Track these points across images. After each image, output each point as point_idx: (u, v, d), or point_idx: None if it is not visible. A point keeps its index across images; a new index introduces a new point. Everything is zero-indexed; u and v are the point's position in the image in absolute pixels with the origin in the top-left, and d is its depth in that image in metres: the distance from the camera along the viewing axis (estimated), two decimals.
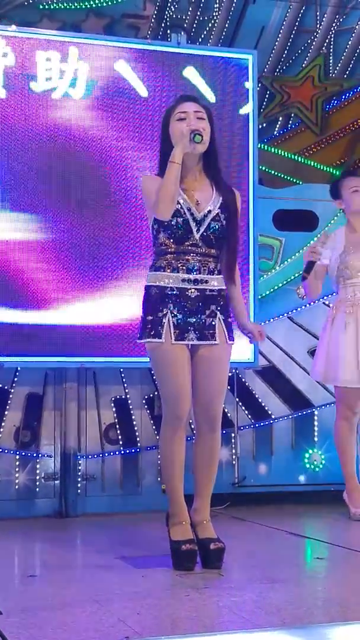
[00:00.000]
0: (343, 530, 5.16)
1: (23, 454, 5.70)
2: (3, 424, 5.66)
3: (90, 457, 5.81)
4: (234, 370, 5.88)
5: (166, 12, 6.19)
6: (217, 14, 6.30)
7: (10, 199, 5.49)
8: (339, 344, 5.41)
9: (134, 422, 5.91)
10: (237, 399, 6.08)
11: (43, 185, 5.55)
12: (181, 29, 6.16)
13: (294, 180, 6.51)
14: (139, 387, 5.94)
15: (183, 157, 3.97)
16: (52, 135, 5.59)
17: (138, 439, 5.91)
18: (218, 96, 5.89)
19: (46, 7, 5.96)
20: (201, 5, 6.27)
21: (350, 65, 6.68)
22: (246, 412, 6.14)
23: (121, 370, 5.88)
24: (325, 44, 6.60)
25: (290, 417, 6.23)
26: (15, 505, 5.66)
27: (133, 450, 5.89)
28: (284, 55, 6.53)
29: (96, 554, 4.39)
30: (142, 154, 5.69)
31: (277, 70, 6.53)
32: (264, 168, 6.30)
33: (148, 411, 5.94)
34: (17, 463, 5.68)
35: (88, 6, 6.05)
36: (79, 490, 5.75)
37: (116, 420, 5.90)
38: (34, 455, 5.72)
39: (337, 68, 6.66)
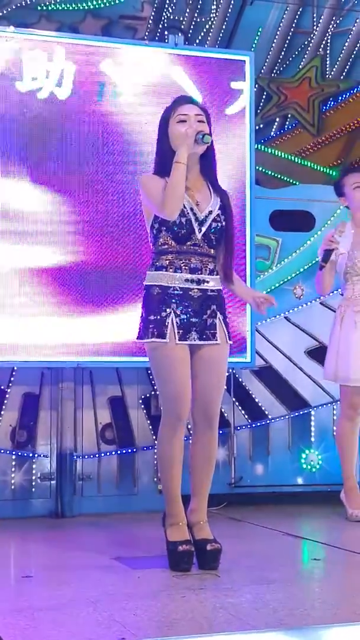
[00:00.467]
0: (340, 531, 5.16)
1: (19, 454, 5.69)
2: None
3: (86, 457, 5.81)
4: (230, 371, 5.88)
5: (163, 14, 6.20)
6: (214, 15, 6.31)
7: None
8: (349, 342, 5.38)
9: (131, 422, 5.92)
10: (234, 399, 6.09)
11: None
12: (178, 30, 6.17)
13: (291, 181, 6.52)
14: (135, 386, 5.94)
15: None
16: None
17: (134, 439, 5.91)
18: (215, 97, 5.88)
19: (44, 8, 5.97)
20: (198, 6, 6.28)
21: (347, 67, 6.70)
22: (243, 412, 6.15)
23: (117, 369, 5.89)
24: (322, 45, 6.62)
25: (287, 417, 6.24)
26: (11, 505, 5.66)
27: (129, 450, 5.90)
28: (281, 57, 6.55)
29: (92, 554, 4.39)
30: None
31: (274, 71, 6.54)
32: (261, 168, 6.31)
33: (144, 411, 5.95)
34: (13, 463, 5.68)
35: (86, 7, 6.06)
36: (75, 491, 5.75)
37: (112, 420, 5.91)
38: (30, 455, 5.72)
39: (334, 69, 6.67)
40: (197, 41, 6.29)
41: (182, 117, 4.06)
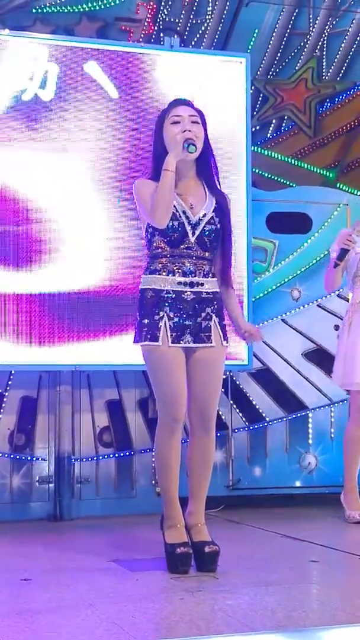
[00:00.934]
0: (338, 533, 5.16)
1: (17, 457, 5.69)
2: None
3: (84, 460, 5.80)
4: (228, 373, 5.88)
5: (159, 16, 6.20)
6: (210, 17, 6.31)
7: None
8: (356, 347, 5.35)
9: (128, 425, 5.91)
10: (232, 402, 6.09)
11: None
12: (174, 32, 6.17)
13: (288, 183, 6.52)
14: (132, 389, 5.94)
15: (177, 162, 3.98)
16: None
17: (132, 441, 5.91)
18: (211, 99, 5.87)
19: (39, 10, 5.97)
20: (194, 8, 6.28)
21: (343, 68, 6.70)
22: (240, 414, 6.14)
23: (115, 373, 5.88)
24: (318, 47, 6.62)
25: (284, 419, 6.23)
26: (10, 508, 5.65)
27: (127, 453, 5.89)
28: (277, 58, 6.55)
29: (90, 557, 4.38)
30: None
31: (271, 72, 6.55)
32: (257, 170, 6.31)
33: (142, 414, 5.94)
34: (11, 466, 5.68)
35: (81, 10, 6.06)
36: (73, 494, 5.74)
37: (110, 423, 5.90)
38: (28, 458, 5.72)
39: (330, 70, 6.68)
40: (193, 43, 6.29)
41: (175, 118, 4.06)
